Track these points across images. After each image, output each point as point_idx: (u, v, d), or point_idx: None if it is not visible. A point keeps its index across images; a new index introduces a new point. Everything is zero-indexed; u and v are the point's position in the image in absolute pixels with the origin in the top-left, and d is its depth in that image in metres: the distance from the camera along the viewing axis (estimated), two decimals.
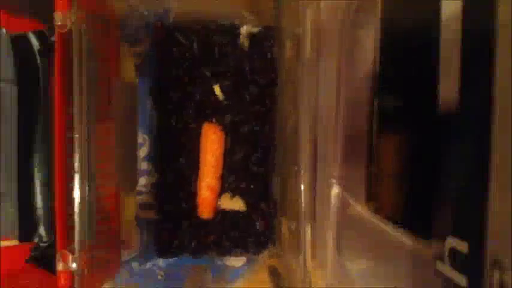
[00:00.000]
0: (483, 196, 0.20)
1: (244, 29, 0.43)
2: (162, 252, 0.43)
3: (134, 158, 0.44)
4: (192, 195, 0.43)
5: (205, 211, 0.43)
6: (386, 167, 0.32)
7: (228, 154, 0.43)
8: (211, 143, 0.42)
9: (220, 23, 0.43)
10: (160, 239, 0.43)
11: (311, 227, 0.33)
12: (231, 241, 0.44)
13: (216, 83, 0.43)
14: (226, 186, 0.43)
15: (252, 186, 0.44)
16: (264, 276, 0.44)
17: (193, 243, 0.43)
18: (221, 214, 0.43)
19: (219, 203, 0.43)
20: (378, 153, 0.33)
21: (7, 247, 0.38)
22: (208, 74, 0.43)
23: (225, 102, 0.43)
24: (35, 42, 0.38)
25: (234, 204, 0.43)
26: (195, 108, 0.43)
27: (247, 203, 0.43)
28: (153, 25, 0.43)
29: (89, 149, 0.32)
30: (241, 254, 0.44)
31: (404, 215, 0.29)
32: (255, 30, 0.43)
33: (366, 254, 0.34)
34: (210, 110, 0.43)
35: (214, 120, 0.43)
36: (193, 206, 0.43)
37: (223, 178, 0.43)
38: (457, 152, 0.23)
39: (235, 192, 0.43)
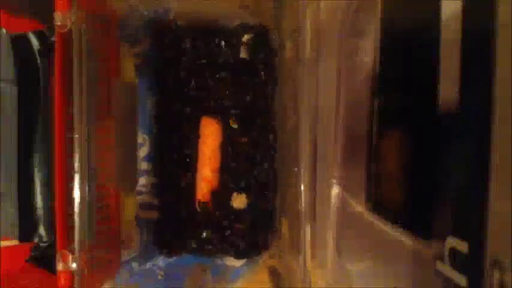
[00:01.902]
0: (483, 196, 0.20)
1: (244, 38, 0.43)
2: (163, 249, 0.43)
3: (134, 158, 0.44)
4: (192, 189, 0.43)
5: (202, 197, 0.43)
6: (387, 167, 0.32)
7: (228, 154, 0.43)
8: (208, 136, 0.42)
9: (220, 23, 0.43)
10: (161, 236, 0.43)
11: (311, 227, 0.33)
12: (231, 241, 0.44)
13: (218, 83, 0.43)
14: (226, 185, 0.43)
15: (252, 186, 0.44)
16: (264, 277, 0.44)
17: (193, 241, 0.43)
18: (220, 211, 0.43)
19: (231, 202, 0.43)
20: (378, 153, 0.33)
21: (7, 247, 0.38)
22: (208, 74, 0.43)
23: (227, 101, 0.43)
24: (35, 42, 0.38)
25: (241, 201, 0.43)
26: (195, 107, 0.43)
27: (247, 203, 0.44)
28: (153, 25, 0.43)
29: (89, 149, 0.32)
30: (241, 254, 0.44)
31: (404, 215, 0.29)
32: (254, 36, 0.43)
33: (366, 254, 0.34)
34: (210, 110, 0.43)
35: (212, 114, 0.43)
36: (192, 201, 0.43)
37: (223, 174, 0.43)
38: (457, 151, 0.23)
39: (234, 191, 0.44)
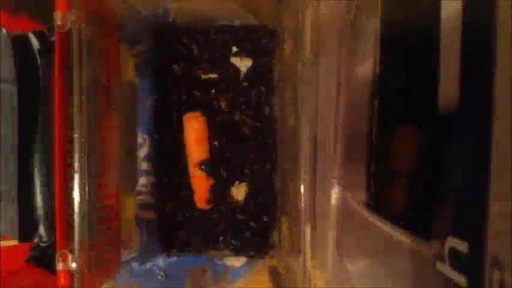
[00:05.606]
0: (483, 196, 0.20)
1: (241, 62, 0.43)
2: (166, 249, 0.43)
3: (134, 158, 0.44)
4: (190, 189, 0.43)
5: (199, 200, 0.43)
6: (386, 167, 0.32)
7: (228, 154, 0.43)
8: (191, 132, 0.42)
9: (220, 23, 0.43)
10: (163, 236, 0.43)
11: (311, 227, 0.33)
12: (231, 241, 0.44)
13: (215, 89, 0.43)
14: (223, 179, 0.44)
15: (252, 186, 0.44)
16: (264, 277, 0.44)
17: (194, 241, 0.43)
18: (220, 211, 0.43)
19: (231, 193, 0.43)
20: (378, 153, 0.33)
21: (7, 247, 0.38)
22: (207, 74, 0.43)
23: (228, 106, 0.43)
24: (35, 42, 0.38)
25: (241, 192, 0.43)
26: (192, 107, 0.43)
27: (248, 203, 0.44)
28: (153, 25, 0.43)
29: (89, 149, 0.32)
30: (241, 254, 0.44)
31: (405, 215, 0.29)
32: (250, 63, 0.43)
33: (366, 254, 0.34)
34: (210, 111, 0.43)
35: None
36: (192, 199, 0.43)
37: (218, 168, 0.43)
38: (457, 151, 0.23)
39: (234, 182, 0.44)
